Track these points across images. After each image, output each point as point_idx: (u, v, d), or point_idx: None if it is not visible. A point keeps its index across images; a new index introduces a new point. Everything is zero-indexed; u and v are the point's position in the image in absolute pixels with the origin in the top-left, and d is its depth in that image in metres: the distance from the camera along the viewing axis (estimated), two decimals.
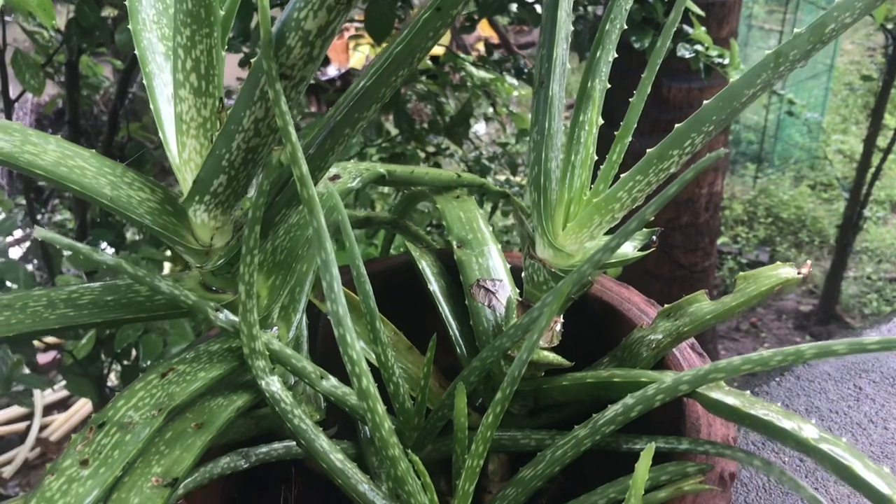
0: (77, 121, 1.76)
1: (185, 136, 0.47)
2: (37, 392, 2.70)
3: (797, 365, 0.99)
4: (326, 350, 0.60)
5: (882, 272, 3.29)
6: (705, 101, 0.51)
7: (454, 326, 0.61)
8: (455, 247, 0.63)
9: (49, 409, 2.78)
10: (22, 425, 2.70)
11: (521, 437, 0.54)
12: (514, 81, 2.03)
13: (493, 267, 0.62)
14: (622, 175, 0.51)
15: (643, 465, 0.43)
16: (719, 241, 3.09)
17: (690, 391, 0.47)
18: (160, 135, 0.50)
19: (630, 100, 0.53)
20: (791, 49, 0.46)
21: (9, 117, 1.54)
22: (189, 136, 0.47)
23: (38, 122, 3.55)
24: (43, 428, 2.69)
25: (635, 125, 0.52)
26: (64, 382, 2.82)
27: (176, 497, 0.48)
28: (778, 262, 0.54)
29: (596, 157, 0.53)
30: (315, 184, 0.47)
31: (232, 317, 0.50)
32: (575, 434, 0.49)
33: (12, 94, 1.56)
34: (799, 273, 0.52)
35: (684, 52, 1.53)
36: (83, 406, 2.71)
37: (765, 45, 4.31)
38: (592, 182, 0.53)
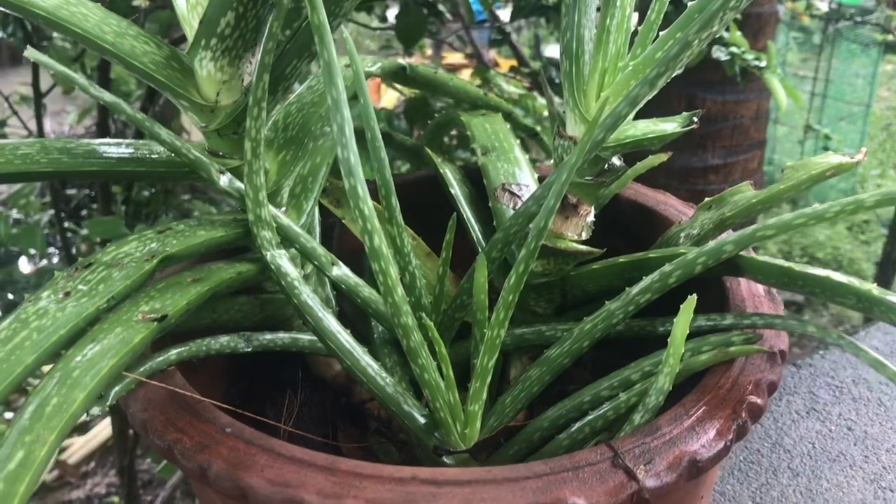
0: (106, 122, 1.75)
1: None
2: None
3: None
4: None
5: None
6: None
7: (476, 228, 0.57)
8: (479, 153, 0.60)
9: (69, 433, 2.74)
10: None
11: (546, 330, 0.49)
12: (544, 101, 2.01)
13: (519, 173, 0.58)
14: (661, 33, 0.47)
15: (683, 320, 0.39)
16: None
17: (735, 252, 0.42)
18: None
19: None
20: None
21: (38, 108, 1.54)
22: None
23: None
24: (62, 451, 2.66)
25: None
26: None
27: (168, 360, 0.44)
28: (829, 151, 0.50)
29: (633, 28, 0.49)
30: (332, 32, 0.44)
31: (237, 183, 0.47)
32: (606, 307, 0.44)
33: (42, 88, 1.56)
34: (853, 159, 0.48)
35: (720, 54, 1.50)
36: (103, 429, 2.67)
37: (799, 91, 4.27)
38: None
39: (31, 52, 0.40)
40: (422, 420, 0.45)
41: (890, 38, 2.70)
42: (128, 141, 0.47)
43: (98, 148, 0.45)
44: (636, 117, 0.49)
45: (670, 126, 0.49)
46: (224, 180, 0.46)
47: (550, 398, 0.48)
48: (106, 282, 0.38)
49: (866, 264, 3.40)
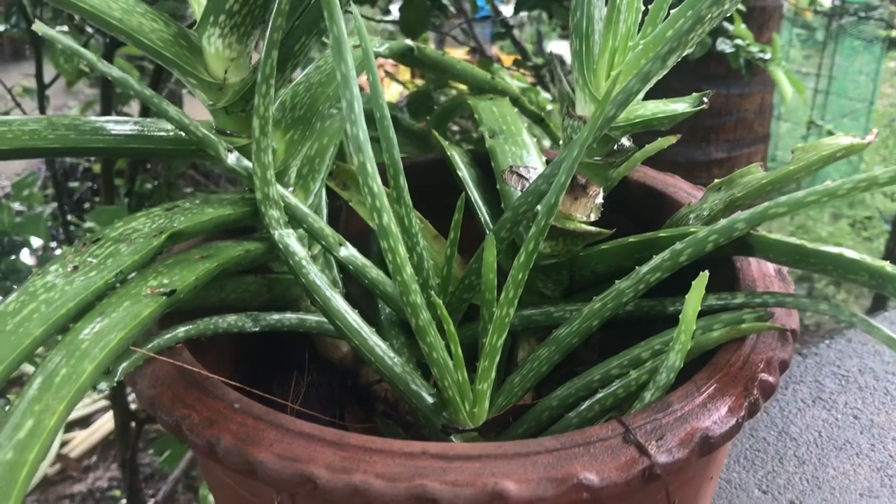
0: (108, 112, 1.75)
1: None
2: None
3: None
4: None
5: None
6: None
7: (484, 210, 0.56)
8: (487, 136, 0.59)
9: (70, 426, 2.74)
10: None
11: (554, 311, 0.49)
12: (549, 95, 2.00)
13: (527, 156, 0.58)
14: (671, 12, 0.46)
15: (695, 296, 0.38)
16: None
17: (747, 230, 0.42)
18: None
19: None
20: None
21: (41, 100, 1.53)
22: None
23: None
24: (63, 444, 2.66)
25: None
26: (86, 400, 2.79)
27: (175, 337, 0.44)
28: (839, 133, 0.50)
29: (644, 7, 0.49)
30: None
31: (245, 161, 0.47)
32: (616, 286, 0.44)
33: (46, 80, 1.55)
34: (865, 140, 0.48)
35: (724, 46, 1.49)
36: (105, 423, 2.68)
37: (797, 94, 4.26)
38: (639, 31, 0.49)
39: (39, 27, 0.40)
40: (430, 399, 0.45)
41: (894, 33, 2.69)
42: (135, 119, 0.47)
43: (105, 125, 0.45)
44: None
45: (681, 106, 0.49)
46: (232, 158, 0.46)
47: (558, 380, 0.48)
48: (114, 256, 0.38)
49: None
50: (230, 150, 0.46)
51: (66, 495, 2.52)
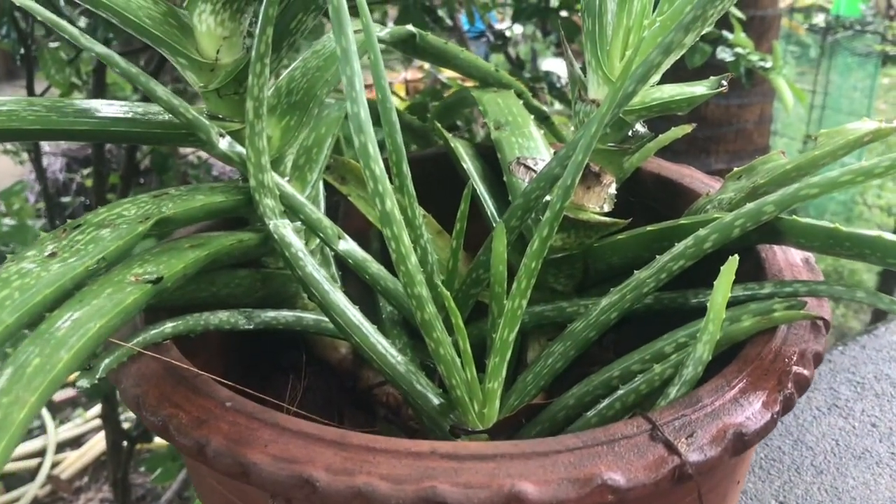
0: None
1: None
2: (50, 429, 2.64)
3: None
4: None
5: None
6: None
7: (490, 203, 0.53)
8: (492, 128, 0.56)
9: (62, 447, 2.70)
10: (33, 462, 2.62)
11: (568, 307, 0.46)
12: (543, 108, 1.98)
13: (534, 147, 0.55)
14: None
15: (724, 282, 0.35)
16: None
17: (776, 213, 0.39)
18: None
19: None
20: None
21: None
22: None
23: (67, 165, 3.54)
24: (54, 465, 2.61)
25: None
26: (78, 420, 2.75)
27: (163, 333, 0.41)
28: (865, 118, 0.47)
29: None
30: None
31: (238, 147, 0.44)
32: (636, 276, 0.41)
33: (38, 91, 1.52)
34: (893, 124, 0.45)
35: (724, 55, 1.47)
36: (96, 444, 2.63)
37: (797, 104, 4.25)
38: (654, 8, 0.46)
39: (23, 1, 0.37)
40: (436, 400, 0.42)
41: (888, 48, 2.69)
42: (123, 102, 0.44)
43: (90, 107, 0.42)
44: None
45: (699, 89, 0.46)
46: (224, 143, 0.43)
47: (570, 383, 0.45)
48: (96, 242, 0.35)
49: (867, 275, 3.38)
50: (222, 135, 0.43)
51: None
